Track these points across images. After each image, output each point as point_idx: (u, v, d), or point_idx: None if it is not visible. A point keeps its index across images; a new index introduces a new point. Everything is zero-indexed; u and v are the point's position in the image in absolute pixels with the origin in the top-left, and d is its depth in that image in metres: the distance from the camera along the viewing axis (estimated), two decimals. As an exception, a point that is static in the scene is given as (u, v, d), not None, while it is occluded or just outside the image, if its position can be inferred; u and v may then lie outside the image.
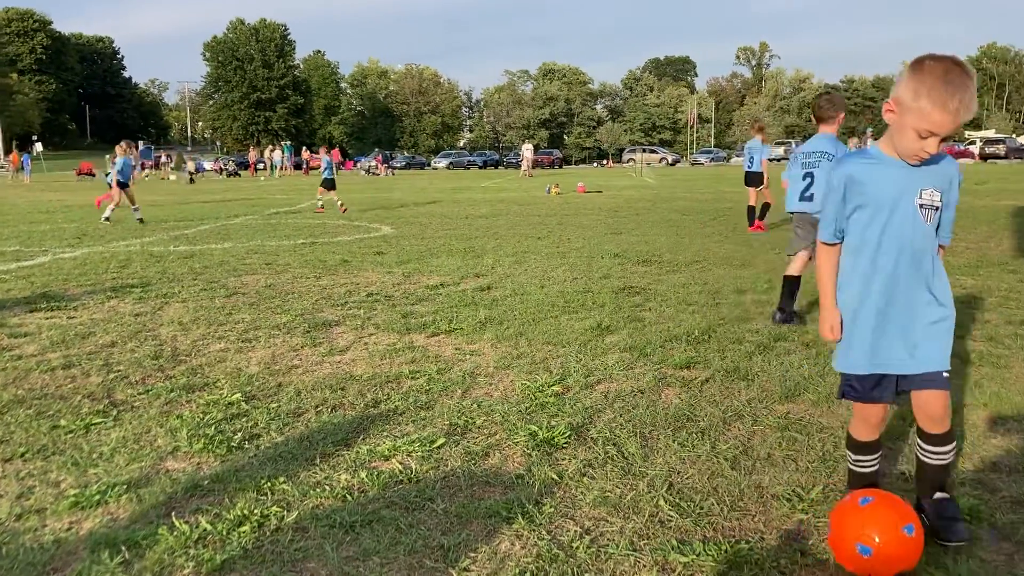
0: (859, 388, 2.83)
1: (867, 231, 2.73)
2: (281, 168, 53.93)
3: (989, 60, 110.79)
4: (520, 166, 52.44)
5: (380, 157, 58.68)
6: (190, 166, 47.54)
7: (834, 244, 2.81)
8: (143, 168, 44.67)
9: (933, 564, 2.68)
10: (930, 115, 2.52)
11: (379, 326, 6.21)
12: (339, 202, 18.75)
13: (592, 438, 3.81)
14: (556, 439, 3.76)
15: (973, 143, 68.31)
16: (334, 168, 19.43)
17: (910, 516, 2.59)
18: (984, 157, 63.48)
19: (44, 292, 7.84)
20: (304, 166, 58.78)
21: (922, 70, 2.52)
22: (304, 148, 64.68)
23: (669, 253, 10.24)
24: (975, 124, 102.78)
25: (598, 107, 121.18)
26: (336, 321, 6.42)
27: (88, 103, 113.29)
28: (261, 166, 58.84)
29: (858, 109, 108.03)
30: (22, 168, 45.58)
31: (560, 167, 78.54)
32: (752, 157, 14.02)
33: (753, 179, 13.87)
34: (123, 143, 17.21)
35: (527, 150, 50.32)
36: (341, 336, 5.92)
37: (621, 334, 5.80)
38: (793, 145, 78.90)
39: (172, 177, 49.18)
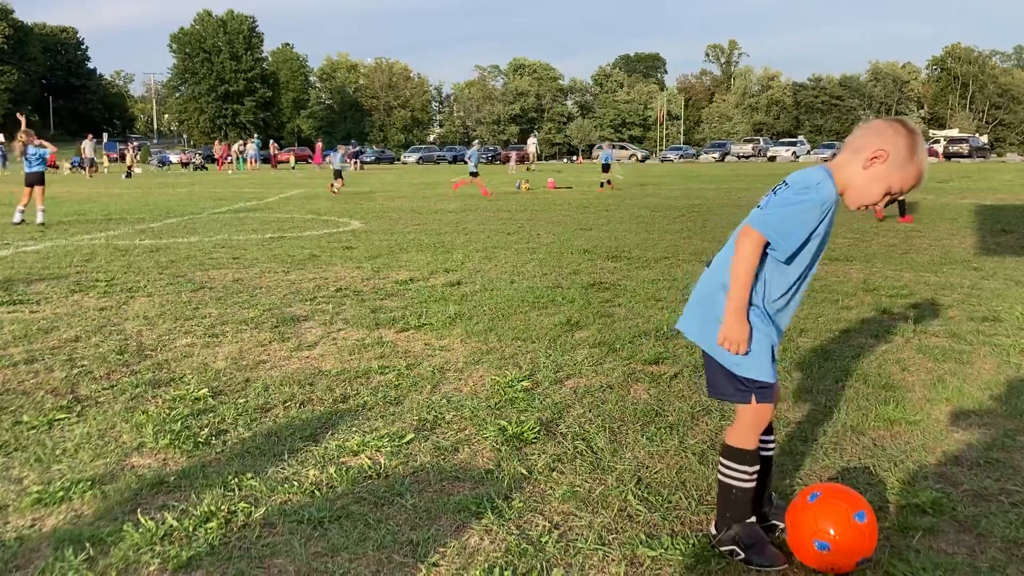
0: (769, 396, 2.69)
1: (808, 253, 2.68)
2: (250, 162, 53.43)
3: (954, 60, 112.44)
4: (524, 160, 53.24)
5: (349, 149, 58.22)
6: (129, 159, 44.62)
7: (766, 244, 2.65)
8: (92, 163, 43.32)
9: (896, 557, 2.72)
10: (911, 179, 2.54)
11: (348, 321, 6.18)
12: (335, 186, 23.45)
13: (561, 433, 3.83)
14: (525, 434, 3.77)
15: (937, 142, 69.34)
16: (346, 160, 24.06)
17: (859, 503, 2.61)
18: (948, 156, 64.50)
19: (6, 285, 7.71)
20: (271, 160, 58.32)
21: (914, 134, 2.54)
22: (272, 142, 63.99)
23: (638, 249, 10.29)
24: (939, 124, 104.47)
25: (568, 103, 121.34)
26: (305, 316, 6.38)
27: (51, 94, 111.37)
28: (230, 160, 58.31)
29: (825, 108, 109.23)
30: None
31: (524, 162, 78.54)
32: None
33: None
34: (24, 133, 14.49)
35: (532, 144, 51.54)
36: (310, 331, 5.88)
37: (590, 330, 5.82)
38: (761, 143, 79.68)
39: (138, 170, 48.50)
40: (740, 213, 15.31)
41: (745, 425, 2.71)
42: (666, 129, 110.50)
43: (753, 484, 2.73)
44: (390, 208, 17.98)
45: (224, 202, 20.25)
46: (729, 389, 2.72)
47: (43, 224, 13.60)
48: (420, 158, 75.97)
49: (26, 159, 14.21)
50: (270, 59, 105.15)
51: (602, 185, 25.94)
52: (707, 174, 39.24)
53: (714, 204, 18.38)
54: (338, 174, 24.45)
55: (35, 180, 14.00)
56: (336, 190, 23.41)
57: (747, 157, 76.74)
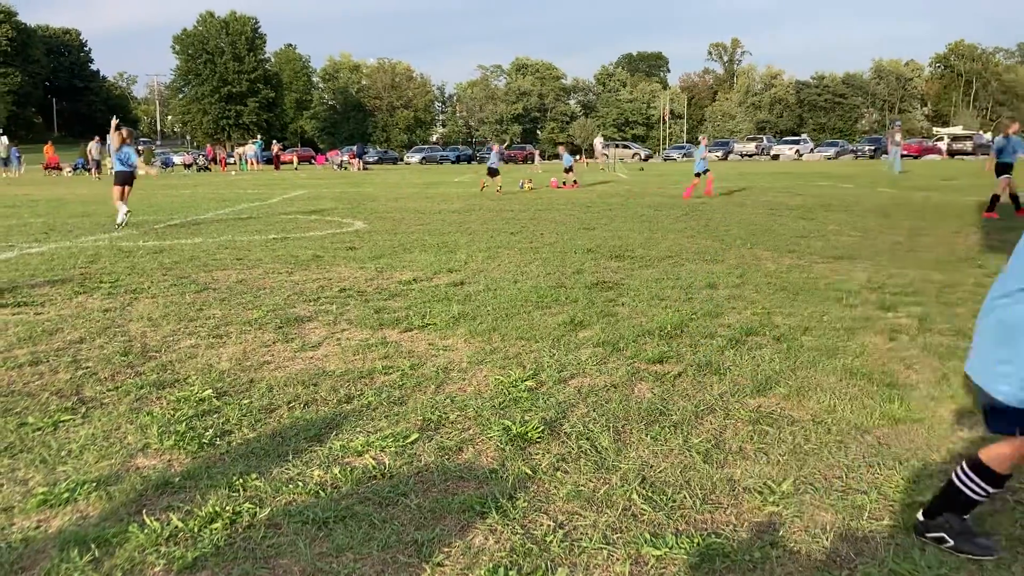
0: None
1: None
2: (253, 163, 53.43)
3: (957, 57, 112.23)
4: (595, 158, 53.60)
5: (354, 152, 58.22)
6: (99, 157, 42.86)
7: None
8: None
9: (901, 555, 2.72)
10: None
11: (352, 322, 6.19)
12: (497, 187, 23.22)
13: (565, 433, 3.83)
14: (529, 434, 3.77)
15: (941, 139, 69.19)
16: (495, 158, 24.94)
17: None
18: (952, 153, 64.32)
19: (11, 287, 7.72)
20: (274, 161, 58.32)
21: None
22: (274, 142, 63.96)
23: (642, 248, 10.28)
24: (943, 121, 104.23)
25: (571, 102, 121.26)
26: (308, 317, 6.38)
27: (55, 96, 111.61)
28: (232, 160, 58.32)
29: (828, 106, 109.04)
30: (8, 162, 43.62)
31: (533, 162, 78.55)
32: (1014, 150, 14.70)
33: (1003, 169, 14.58)
34: (123, 130, 14.83)
35: (599, 143, 51.86)
36: (313, 332, 5.89)
37: (594, 329, 5.82)
38: (765, 141, 79.56)
39: (141, 172, 48.58)
40: (743, 212, 15.30)
41: (1010, 453, 2.67)
42: (669, 128, 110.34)
43: (984, 500, 2.77)
44: (393, 208, 17.98)
45: (227, 203, 20.26)
46: (1018, 425, 2.61)
47: (121, 224, 13.72)
48: (423, 158, 75.92)
49: (118, 159, 14.38)
50: (273, 60, 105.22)
51: (565, 183, 26.65)
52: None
53: (717, 203, 18.35)
54: (494, 171, 24.08)
55: (126, 179, 14.16)
56: (499, 189, 23.38)
57: (750, 155, 76.65)
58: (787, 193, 21.23)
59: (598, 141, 55.28)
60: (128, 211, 14.09)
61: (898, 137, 33.24)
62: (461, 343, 5.50)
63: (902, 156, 30.69)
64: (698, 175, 21.62)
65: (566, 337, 5.59)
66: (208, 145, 64.79)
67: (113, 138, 14.61)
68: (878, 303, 6.63)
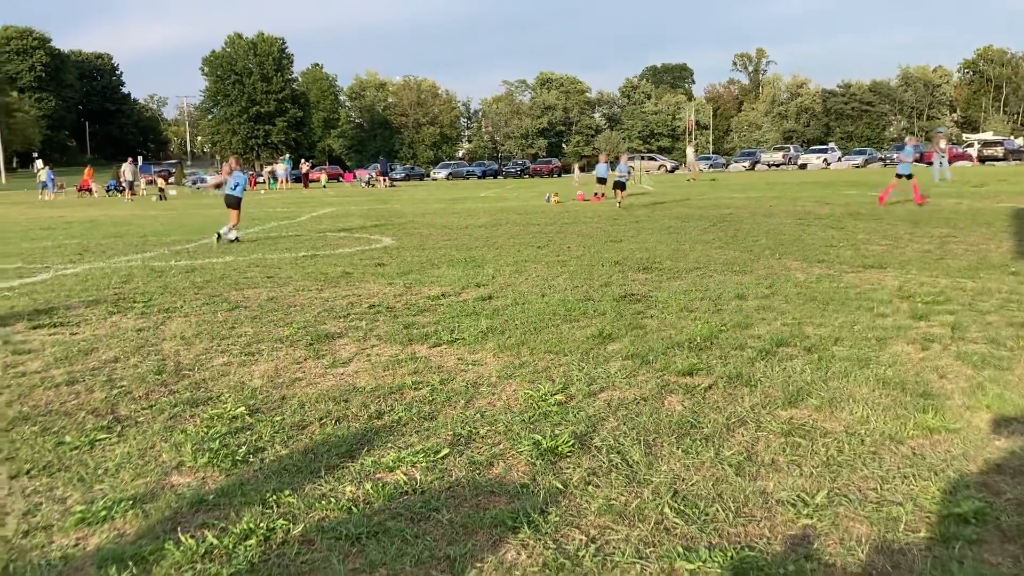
0: None
1: None
2: (282, 181, 53.89)
3: (986, 63, 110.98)
4: (686, 168, 53.87)
5: (379, 169, 58.58)
6: (160, 182, 44.17)
7: None
8: (139, 183, 43.69)
9: (939, 568, 2.68)
10: None
11: (381, 337, 6.22)
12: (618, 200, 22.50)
13: (596, 446, 3.82)
14: (560, 448, 3.77)
15: (971, 145, 68.37)
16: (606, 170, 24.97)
17: None
18: (982, 159, 63.53)
19: (47, 308, 7.85)
20: (303, 179, 58.84)
21: None
22: (303, 160, 64.56)
23: (669, 260, 10.25)
24: (972, 127, 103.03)
25: (596, 115, 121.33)
26: (338, 333, 6.43)
27: (88, 119, 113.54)
28: (261, 179, 58.90)
29: (855, 114, 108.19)
30: (45, 185, 44.40)
31: (559, 176, 78.62)
32: None
33: None
34: (231, 159, 16.68)
35: (690, 153, 52.11)
36: (344, 348, 5.93)
37: (623, 342, 5.81)
38: (792, 150, 79.06)
39: (173, 192, 49.17)
40: (772, 222, 15.20)
41: None
42: (695, 139, 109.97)
43: None
44: (420, 224, 18.08)
45: (257, 222, 20.48)
46: None
47: (236, 239, 14.60)
48: (449, 174, 76.32)
49: (230, 185, 15.32)
50: (300, 80, 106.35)
51: (597, 195, 26.11)
52: (736, 183, 39.04)
53: (745, 213, 18.26)
54: (621, 185, 22.92)
55: (234, 203, 15.07)
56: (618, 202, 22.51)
57: (777, 165, 76.20)
58: (815, 202, 21.07)
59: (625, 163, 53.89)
60: (234, 227, 14.84)
61: (943, 144, 32.46)
62: (490, 357, 5.51)
63: (940, 163, 29.92)
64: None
65: (595, 350, 5.58)
66: (225, 163, 65.49)
67: (223, 167, 16.00)
68: (910, 312, 6.55)
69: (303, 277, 9.69)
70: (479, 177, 75.84)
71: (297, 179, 59.91)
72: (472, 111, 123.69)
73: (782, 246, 11.37)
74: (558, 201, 25.85)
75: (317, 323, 6.86)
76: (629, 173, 26.35)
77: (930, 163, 34.79)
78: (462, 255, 11.51)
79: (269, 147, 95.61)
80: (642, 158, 68.94)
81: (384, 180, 56.54)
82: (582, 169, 53.92)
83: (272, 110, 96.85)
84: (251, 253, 12.61)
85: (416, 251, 12.32)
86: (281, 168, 55.29)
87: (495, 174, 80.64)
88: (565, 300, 7.53)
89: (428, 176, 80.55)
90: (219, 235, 14.74)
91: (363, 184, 58.82)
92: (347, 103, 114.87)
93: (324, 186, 59.09)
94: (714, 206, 21.62)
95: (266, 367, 5.43)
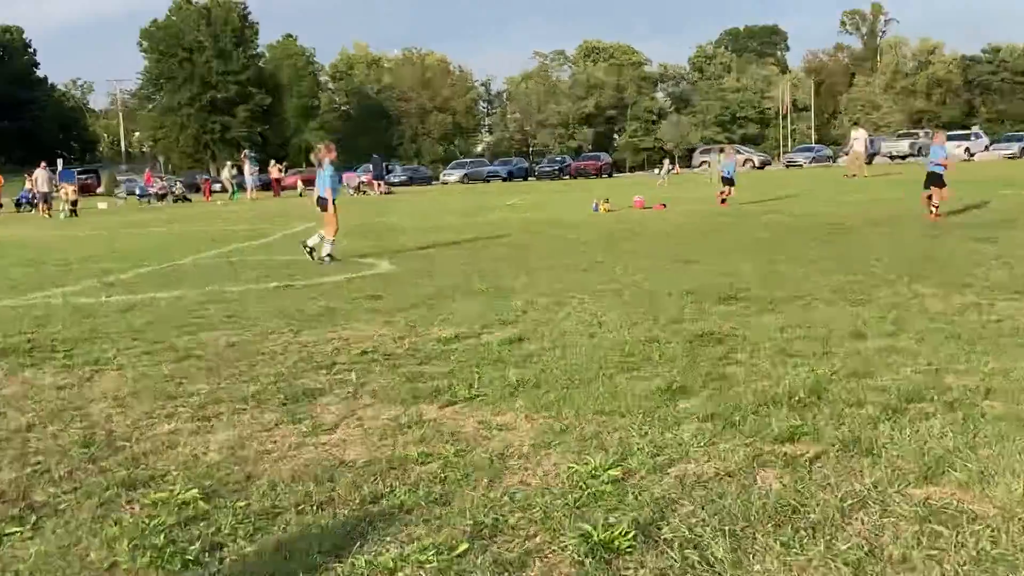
0: None
1: None
2: (251, 190, 54.21)
3: None
4: (848, 157, 49.30)
5: (372, 172, 59.01)
6: (66, 193, 42.86)
7: None
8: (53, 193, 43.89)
9: None
10: None
11: (377, 394, 6.24)
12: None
13: (665, 540, 3.79)
14: (617, 542, 3.75)
15: None
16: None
17: None
18: None
19: (-60, 361, 7.94)
20: (277, 184, 59.37)
21: None
22: (273, 162, 65.16)
23: (760, 287, 10.20)
24: None
25: (658, 96, 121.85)
26: (321, 389, 6.45)
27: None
28: (218, 187, 59.57)
29: (1006, 87, 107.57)
30: None
31: (609, 175, 78.87)
32: None
33: None
34: (322, 146, 16.96)
35: (856, 140, 45.80)
36: (328, 409, 5.95)
37: (699, 397, 5.78)
38: (922, 136, 78.64)
39: (102, 205, 49.84)
40: (896, 233, 15.09)
41: None
42: (792, 124, 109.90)
43: None
44: (428, 243, 18.16)
45: (215, 244, 20.69)
46: None
47: (329, 258, 15.19)
48: (465, 175, 76.79)
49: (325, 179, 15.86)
50: (268, 56, 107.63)
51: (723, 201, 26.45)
52: (855, 183, 38.87)
53: (859, 222, 18.18)
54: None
55: (323, 205, 15.80)
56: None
57: (903, 157, 75.79)
58: (958, 206, 20.92)
59: (859, 135, 47.51)
60: (326, 239, 15.32)
61: None
62: (521, 420, 5.50)
63: None
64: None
65: (662, 409, 5.56)
66: (147, 170, 66.17)
67: (319, 152, 16.27)
68: (1088, 353, 6.47)
69: (274, 316, 9.75)
70: (504, 179, 76.26)
71: (266, 186, 60.53)
72: (494, 93, 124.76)
73: (912, 265, 11.28)
74: (609, 209, 25.92)
75: (293, 376, 6.89)
76: (733, 170, 28.12)
77: None
78: (483, 283, 11.54)
79: (228, 144, 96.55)
80: (721, 151, 69.07)
81: (379, 185, 57.03)
82: (673, 162, 53.43)
83: (231, 96, 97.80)
84: (206, 285, 12.73)
85: (422, 278, 12.37)
86: (249, 171, 55.76)
87: (525, 175, 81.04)
88: (620, 342, 7.51)
89: (437, 179, 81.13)
90: (308, 247, 15.35)
91: (351, 191, 59.28)
92: (330, 86, 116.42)
93: (301, 194, 59.60)
94: (817, 213, 21.54)
95: (226, 436, 5.46)
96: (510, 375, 6.53)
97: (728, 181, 27.33)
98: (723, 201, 26.52)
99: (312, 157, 16.86)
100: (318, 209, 15.92)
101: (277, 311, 10.05)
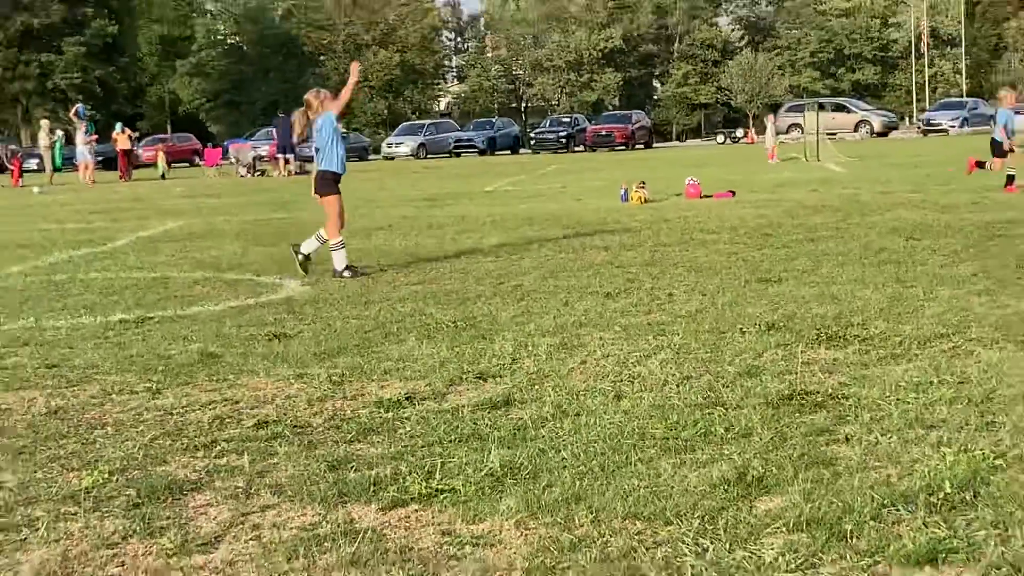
0: None
1: None
2: (84, 166, 54.14)
3: None
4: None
5: (275, 141, 58.91)
6: None
7: None
8: None
9: None
10: None
11: (283, 490, 6.20)
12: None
13: None
14: None
15: None
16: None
17: None
18: None
19: None
20: (126, 160, 59.24)
21: None
22: (119, 125, 64.84)
23: (883, 319, 10.21)
24: None
25: (722, 22, 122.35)
26: (194, 483, 6.42)
27: None
28: (34, 164, 59.42)
29: None
30: None
31: (647, 146, 79.04)
32: None
33: None
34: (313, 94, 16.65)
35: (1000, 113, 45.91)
36: (205, 514, 5.91)
37: (788, 495, 5.76)
38: None
39: None
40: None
41: None
42: (933, 66, 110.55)
43: None
44: (362, 250, 18.13)
45: (28, 254, 20.61)
46: None
47: (348, 271, 15.36)
48: (421, 146, 76.83)
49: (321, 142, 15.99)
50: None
51: (1010, 182, 24.64)
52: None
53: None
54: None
55: (329, 186, 15.95)
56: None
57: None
58: None
59: None
60: (331, 244, 15.50)
61: None
62: (510, 530, 5.47)
63: None
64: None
65: (730, 512, 5.54)
66: (44, 120, 66.10)
67: (297, 116, 16.42)
68: None
69: (120, 366, 9.71)
70: (482, 152, 76.53)
71: (109, 161, 60.41)
72: (466, 17, 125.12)
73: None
74: (646, 199, 25.95)
75: (149, 462, 6.86)
76: (1010, 130, 25.65)
77: None
78: (449, 313, 11.53)
79: (51, 97, 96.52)
80: (820, 107, 69.16)
81: (286, 162, 56.92)
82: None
83: (56, 22, 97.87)
84: (15, 319, 12.67)
85: (352, 307, 12.34)
86: (83, 140, 55.62)
87: (515, 145, 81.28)
88: (665, 406, 7.51)
89: (378, 153, 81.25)
90: (300, 252, 15.48)
91: (242, 171, 59.28)
92: (208, 6, 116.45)
93: (163, 176, 59.61)
94: (973, 205, 21.59)
95: (44, 557, 5.42)
96: (492, 460, 6.51)
97: (998, 148, 25.39)
98: (1010, 183, 24.59)
99: (296, 119, 16.53)
100: (316, 196, 16.04)
101: (126, 359, 10.01)
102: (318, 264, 15.79)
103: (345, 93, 16.19)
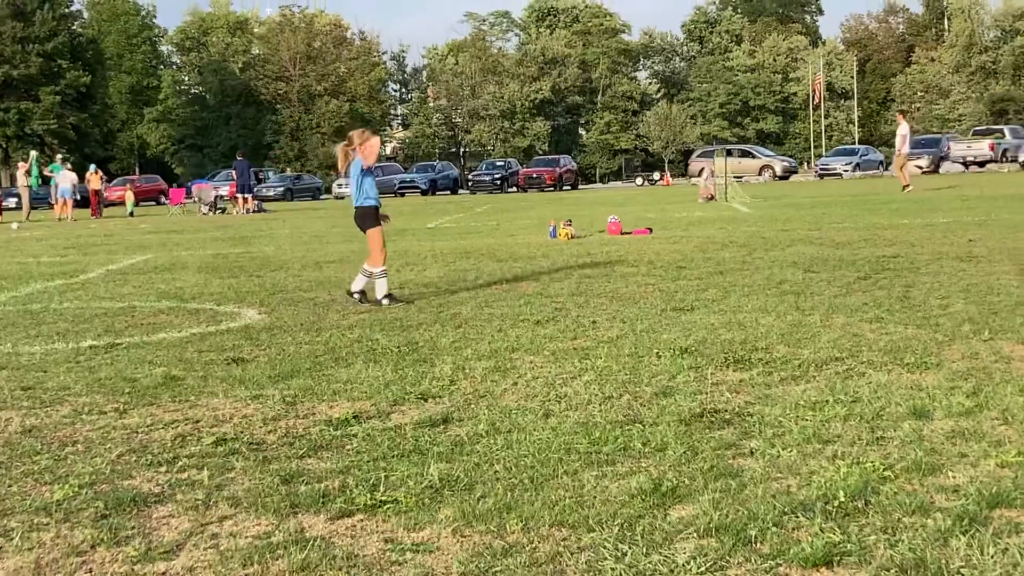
0: None
1: None
2: (62, 204, 53.81)
3: None
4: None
5: (235, 181, 58.67)
6: None
7: None
8: None
9: None
10: None
11: (239, 501, 6.17)
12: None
13: None
14: None
15: None
16: None
17: None
18: None
19: None
20: (97, 199, 58.89)
21: None
22: (92, 167, 64.42)
23: (784, 344, 10.27)
24: None
25: (641, 75, 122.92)
26: (158, 495, 6.38)
27: None
28: (13, 202, 58.91)
29: None
30: None
31: (573, 187, 79.29)
32: None
33: None
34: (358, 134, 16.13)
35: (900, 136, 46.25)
36: (167, 524, 5.87)
37: (699, 503, 5.77)
38: (1008, 135, 79.89)
39: None
40: (972, 269, 15.35)
41: None
42: (827, 117, 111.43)
43: None
44: (313, 283, 18.08)
45: (6, 284, 20.45)
46: None
47: (388, 299, 15.09)
48: (369, 187, 76.70)
49: (358, 182, 15.66)
50: (87, 17, 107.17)
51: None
52: (914, 199, 39.34)
53: (921, 255, 18.38)
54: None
55: (370, 220, 15.83)
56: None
57: (982, 163, 77.08)
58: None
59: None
60: (380, 271, 15.27)
61: None
62: (447, 536, 5.46)
63: None
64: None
65: (647, 519, 5.55)
66: (20, 163, 65.55)
67: (339, 153, 15.94)
68: None
69: (90, 387, 9.64)
70: (424, 192, 76.51)
71: (83, 200, 60.01)
72: (410, 70, 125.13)
73: (994, 315, 11.40)
74: (573, 236, 26.01)
75: (116, 476, 6.81)
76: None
77: None
78: (394, 339, 11.51)
79: (29, 140, 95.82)
80: (728, 154, 69.47)
81: (245, 201, 56.73)
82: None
83: (34, 73, 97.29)
84: (-8, 343, 12.56)
85: (305, 333, 12.31)
86: (68, 178, 55.21)
87: (454, 186, 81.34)
88: (589, 423, 7.51)
89: (329, 192, 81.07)
90: (353, 294, 15.19)
91: (204, 209, 59.03)
92: (175, 59, 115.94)
93: (131, 213, 59.32)
94: (864, 242, 21.76)
95: (18, 564, 5.36)
96: (431, 472, 6.50)
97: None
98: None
99: (339, 153, 16.10)
100: (361, 231, 15.85)
101: (95, 381, 9.94)
102: (276, 293, 15.74)
103: (370, 159, 15.66)
